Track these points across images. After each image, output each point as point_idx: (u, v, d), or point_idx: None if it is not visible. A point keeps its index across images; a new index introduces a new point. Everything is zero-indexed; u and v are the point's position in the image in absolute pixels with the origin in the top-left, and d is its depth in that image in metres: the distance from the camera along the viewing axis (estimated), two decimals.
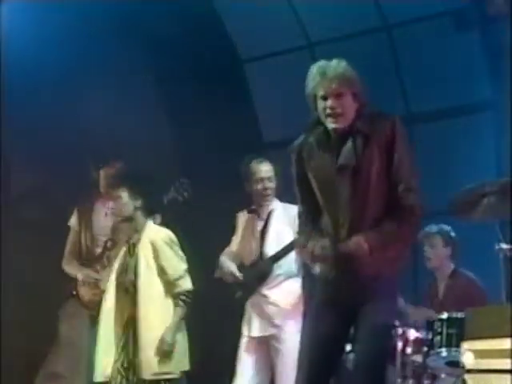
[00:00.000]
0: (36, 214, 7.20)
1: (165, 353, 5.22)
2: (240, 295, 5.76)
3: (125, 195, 5.45)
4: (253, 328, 5.66)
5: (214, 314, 7.09)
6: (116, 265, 5.50)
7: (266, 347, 5.63)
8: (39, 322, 6.78)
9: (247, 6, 8.06)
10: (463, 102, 7.69)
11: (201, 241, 7.01)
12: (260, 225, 5.82)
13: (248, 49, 8.69)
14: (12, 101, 6.95)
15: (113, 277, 5.46)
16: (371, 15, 7.95)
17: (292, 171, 4.25)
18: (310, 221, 4.20)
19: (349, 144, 4.05)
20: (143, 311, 5.28)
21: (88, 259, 6.08)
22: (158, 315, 5.31)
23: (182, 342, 5.36)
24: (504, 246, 5.15)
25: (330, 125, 4.06)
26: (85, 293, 5.98)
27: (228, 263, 5.79)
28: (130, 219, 5.49)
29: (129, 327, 5.34)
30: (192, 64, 8.20)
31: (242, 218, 5.96)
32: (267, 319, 5.63)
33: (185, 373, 5.46)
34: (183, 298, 5.36)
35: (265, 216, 5.81)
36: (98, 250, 6.05)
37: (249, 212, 5.90)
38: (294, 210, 5.59)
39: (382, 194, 4.04)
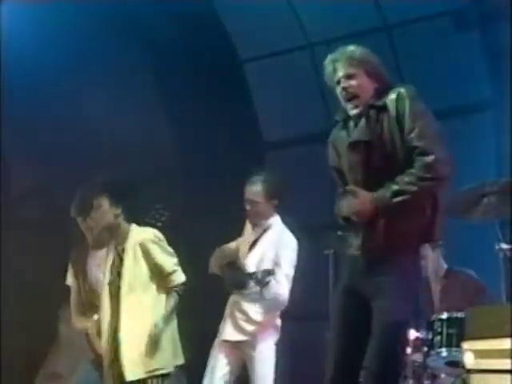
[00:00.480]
0: (36, 214, 7.21)
1: (154, 336, 5.16)
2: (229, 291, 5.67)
3: (105, 203, 5.40)
4: (225, 331, 5.54)
5: (211, 309, 7.08)
6: (106, 271, 5.46)
7: (240, 352, 5.50)
8: (39, 322, 6.78)
9: (247, 5, 8.06)
10: (463, 102, 7.69)
11: (200, 238, 7.01)
12: (253, 237, 5.67)
13: (248, 49, 8.69)
14: (12, 101, 6.96)
15: (105, 281, 5.43)
16: (371, 15, 7.95)
17: (329, 162, 4.28)
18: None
19: (363, 120, 4.10)
20: (124, 315, 5.24)
21: (92, 309, 5.91)
22: (143, 315, 5.24)
23: (172, 336, 5.30)
24: (504, 245, 5.15)
25: (352, 111, 4.13)
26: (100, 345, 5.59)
27: (212, 258, 5.67)
28: (113, 227, 5.46)
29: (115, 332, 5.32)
30: (192, 64, 8.20)
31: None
32: (239, 325, 5.51)
33: (182, 368, 5.43)
34: (177, 290, 5.34)
35: (260, 230, 5.65)
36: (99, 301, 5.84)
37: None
38: (288, 238, 5.54)
39: (396, 167, 4.03)
